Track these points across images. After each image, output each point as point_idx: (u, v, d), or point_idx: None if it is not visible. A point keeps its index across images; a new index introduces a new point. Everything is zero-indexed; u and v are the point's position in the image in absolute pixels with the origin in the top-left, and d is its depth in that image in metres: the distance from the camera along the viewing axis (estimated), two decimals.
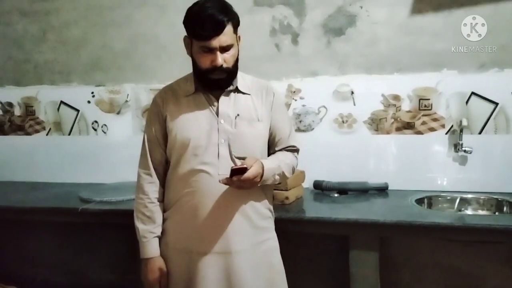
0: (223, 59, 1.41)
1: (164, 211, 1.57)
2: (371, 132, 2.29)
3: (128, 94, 2.59)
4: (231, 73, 1.47)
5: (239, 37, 1.48)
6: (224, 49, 1.41)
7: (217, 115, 1.49)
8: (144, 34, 2.54)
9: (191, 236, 1.49)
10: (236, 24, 1.44)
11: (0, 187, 2.56)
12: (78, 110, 2.66)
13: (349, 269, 1.80)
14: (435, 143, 2.23)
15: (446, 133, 2.22)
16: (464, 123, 2.14)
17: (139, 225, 1.55)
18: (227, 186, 1.43)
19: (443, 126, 2.21)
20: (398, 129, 2.26)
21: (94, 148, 2.64)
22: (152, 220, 1.55)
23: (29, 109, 2.73)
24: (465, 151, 2.15)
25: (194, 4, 1.45)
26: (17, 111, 2.75)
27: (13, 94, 2.75)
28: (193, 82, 1.53)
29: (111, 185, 2.49)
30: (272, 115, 1.57)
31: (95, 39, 2.61)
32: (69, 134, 2.69)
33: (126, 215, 2.01)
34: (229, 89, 1.52)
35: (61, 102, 2.68)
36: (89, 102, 2.64)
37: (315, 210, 2.00)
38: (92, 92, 2.63)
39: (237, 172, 1.36)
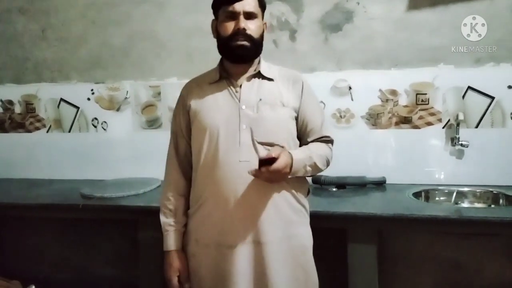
0: (246, 25, 1.41)
1: (190, 206, 1.56)
2: (369, 127, 2.32)
3: (127, 91, 2.60)
4: (255, 45, 1.45)
5: (265, 24, 1.51)
6: (248, 16, 1.42)
7: (239, 100, 1.47)
8: (143, 31, 2.55)
9: (219, 229, 1.45)
10: (262, 4, 1.49)
11: (1, 184, 2.57)
12: (78, 107, 2.68)
13: (347, 262, 1.82)
14: (432, 137, 2.25)
15: (443, 127, 2.24)
16: (461, 117, 2.16)
17: (161, 217, 1.56)
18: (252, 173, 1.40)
19: (440, 120, 2.24)
20: (395, 124, 2.28)
21: (94, 144, 2.66)
22: (174, 214, 1.55)
23: (29, 107, 2.75)
24: (461, 145, 2.17)
25: None
26: (18, 109, 2.77)
27: (13, 92, 2.76)
28: (218, 70, 1.53)
29: (112, 181, 2.51)
30: (301, 104, 1.52)
31: (94, 36, 2.62)
32: (69, 131, 2.70)
33: (127, 211, 2.05)
34: (251, 73, 1.50)
35: (61, 99, 2.69)
36: (88, 99, 2.65)
37: (313, 204, 2.00)
38: (92, 89, 2.64)
39: (265, 162, 1.31)
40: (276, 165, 1.32)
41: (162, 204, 1.58)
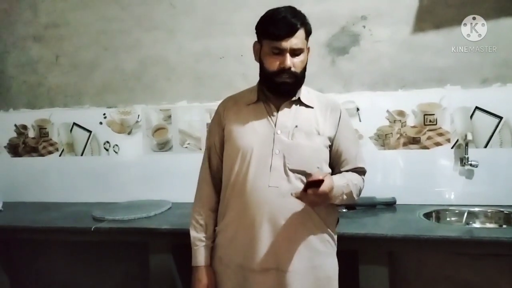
0: (292, 63, 1.40)
1: (218, 222, 1.55)
2: (378, 147, 2.33)
3: (138, 115, 2.65)
4: (298, 79, 1.44)
5: (308, 48, 1.48)
6: (294, 53, 1.40)
7: (275, 125, 1.46)
8: (153, 56, 2.61)
9: (242, 252, 1.45)
10: (308, 32, 1.44)
11: (14, 208, 2.60)
12: (90, 131, 2.72)
13: (359, 284, 1.80)
14: (441, 157, 2.25)
15: (452, 148, 2.24)
16: (469, 137, 2.17)
17: (191, 232, 1.56)
18: (280, 200, 1.40)
19: (448, 140, 2.24)
20: (404, 144, 2.29)
21: (106, 168, 2.69)
22: (204, 229, 1.55)
23: (42, 131, 2.80)
24: (471, 164, 2.17)
25: (269, 10, 1.45)
26: (31, 133, 2.82)
27: (27, 117, 2.82)
28: (256, 91, 1.52)
29: (123, 203, 2.53)
30: (337, 133, 1.51)
31: (106, 62, 2.68)
32: (82, 155, 2.74)
33: (138, 234, 2.06)
34: (291, 100, 1.48)
35: (74, 123, 2.75)
36: (101, 123, 2.70)
37: None
38: (104, 114, 2.69)
39: (312, 185, 1.28)
40: (323, 187, 1.29)
41: (193, 218, 1.58)
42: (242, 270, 1.46)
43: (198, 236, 1.55)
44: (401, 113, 2.29)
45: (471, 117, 2.21)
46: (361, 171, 1.56)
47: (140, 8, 2.61)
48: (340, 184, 1.41)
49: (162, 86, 2.61)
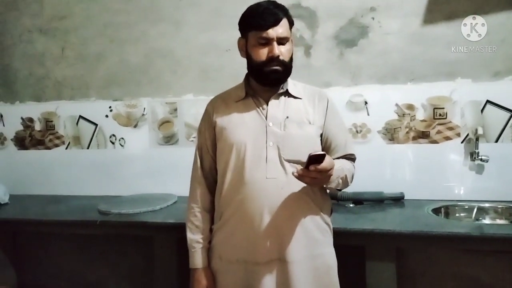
0: (280, 51, 1.42)
1: (214, 222, 1.56)
2: (386, 141, 2.29)
3: (144, 108, 2.64)
4: (287, 68, 1.46)
5: (292, 40, 1.49)
6: (281, 42, 1.42)
7: (266, 118, 1.48)
8: (159, 49, 2.60)
9: (244, 246, 1.45)
10: (291, 22, 1.47)
11: (20, 201, 2.61)
12: (96, 124, 2.72)
13: (366, 280, 1.79)
14: (451, 152, 2.22)
15: (461, 142, 2.20)
16: (480, 131, 2.13)
17: (188, 234, 1.56)
18: (278, 191, 1.41)
19: (458, 135, 2.20)
20: (413, 139, 2.26)
21: (111, 161, 2.69)
22: (200, 230, 1.55)
23: (48, 124, 2.80)
24: (481, 159, 2.13)
25: (250, 5, 1.48)
26: (37, 126, 2.83)
27: (33, 110, 2.82)
28: (243, 87, 1.54)
29: (129, 197, 2.53)
30: (326, 121, 1.53)
31: (113, 55, 2.67)
32: (88, 148, 2.74)
33: (143, 227, 2.06)
34: (279, 92, 1.50)
35: (80, 116, 2.74)
36: (107, 116, 2.70)
37: None
38: (110, 107, 2.69)
39: (313, 161, 1.27)
40: (325, 163, 1.29)
41: (188, 220, 1.58)
42: (245, 264, 1.46)
43: (195, 238, 1.55)
44: (410, 107, 2.25)
45: (481, 111, 2.17)
46: (351, 158, 1.59)
47: (146, 1, 2.59)
48: (337, 167, 1.42)
49: (168, 79, 2.60)
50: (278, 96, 1.51)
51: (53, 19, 2.74)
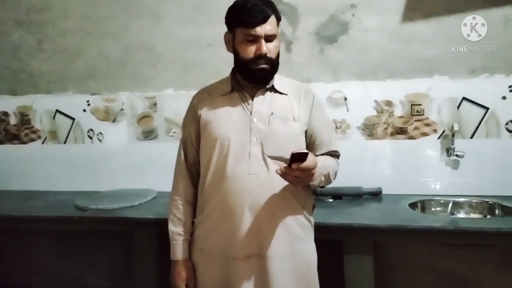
0: (267, 49, 1.41)
1: (196, 215, 1.56)
2: (365, 137, 2.32)
3: (123, 102, 2.60)
4: (274, 66, 1.45)
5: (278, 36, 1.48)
6: (268, 39, 1.41)
7: (251, 113, 1.47)
8: (139, 43, 2.56)
9: (224, 240, 1.45)
10: (278, 18, 1.46)
11: None
12: (73, 119, 2.67)
13: (344, 273, 1.81)
14: (428, 147, 2.26)
15: (438, 138, 2.25)
16: (456, 127, 2.18)
17: (170, 226, 1.56)
18: (260, 187, 1.41)
19: (435, 131, 2.25)
20: (391, 134, 2.29)
21: (89, 156, 2.65)
22: (182, 223, 1.55)
23: (24, 118, 2.74)
24: (457, 155, 2.18)
25: (237, 1, 1.46)
26: (13, 120, 2.76)
27: (8, 104, 2.75)
28: (229, 82, 1.52)
29: (107, 193, 2.50)
30: (311, 117, 1.52)
31: (91, 48, 2.63)
32: (65, 143, 2.69)
33: (122, 223, 2.04)
34: (265, 87, 1.49)
35: (57, 110, 2.69)
36: (84, 110, 2.65)
37: None
38: (88, 101, 2.64)
39: (297, 159, 1.26)
40: (308, 162, 1.28)
41: (171, 212, 1.57)
42: (225, 258, 1.46)
43: (176, 231, 1.55)
44: (389, 103, 2.28)
45: (458, 107, 2.22)
46: (335, 155, 1.59)
47: None
48: (319, 165, 1.40)
49: (148, 74, 2.57)
50: (264, 92, 1.50)
51: (30, 11, 2.67)
